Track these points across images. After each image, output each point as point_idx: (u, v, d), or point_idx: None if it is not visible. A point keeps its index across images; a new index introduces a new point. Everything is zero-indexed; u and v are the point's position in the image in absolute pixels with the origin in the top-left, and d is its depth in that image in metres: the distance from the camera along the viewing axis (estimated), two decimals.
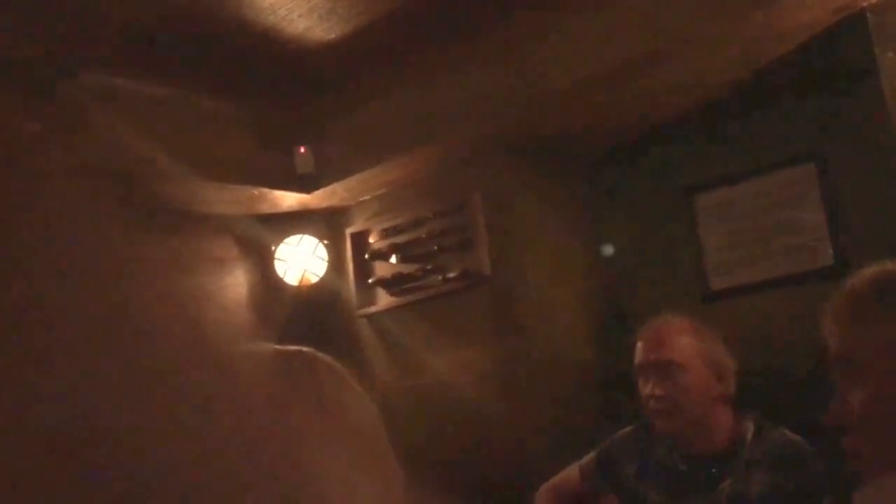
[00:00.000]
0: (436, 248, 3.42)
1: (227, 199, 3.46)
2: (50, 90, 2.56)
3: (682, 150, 3.26)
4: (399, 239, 3.56)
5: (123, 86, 2.94)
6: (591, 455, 2.41)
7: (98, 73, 2.78)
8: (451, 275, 3.36)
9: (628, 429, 2.36)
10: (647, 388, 2.18)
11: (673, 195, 3.27)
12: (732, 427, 2.16)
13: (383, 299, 3.64)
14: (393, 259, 3.59)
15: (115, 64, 2.75)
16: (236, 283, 3.65)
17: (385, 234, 3.61)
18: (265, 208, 3.62)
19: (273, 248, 3.68)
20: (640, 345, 2.23)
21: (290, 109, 3.41)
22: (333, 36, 2.96)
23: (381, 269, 3.65)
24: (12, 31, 2.23)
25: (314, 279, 3.67)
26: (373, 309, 3.66)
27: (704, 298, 3.14)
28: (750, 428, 2.15)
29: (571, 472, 2.45)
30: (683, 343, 2.17)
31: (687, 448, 2.17)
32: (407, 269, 3.53)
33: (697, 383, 2.14)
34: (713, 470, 2.12)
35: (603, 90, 2.90)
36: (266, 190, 3.44)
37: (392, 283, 3.58)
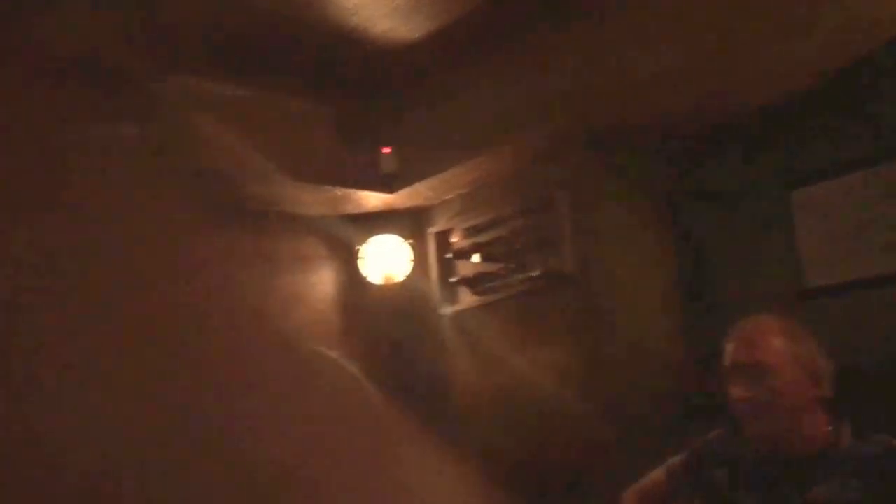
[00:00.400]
0: (518, 246, 3.40)
1: (313, 200, 3.52)
2: (142, 93, 2.65)
3: (778, 143, 3.16)
4: (482, 238, 3.56)
5: (212, 88, 3.02)
6: (679, 457, 2.35)
7: (188, 75, 2.86)
8: (534, 274, 3.33)
9: (718, 431, 2.30)
10: (736, 391, 2.11)
11: (767, 189, 3.17)
12: (828, 431, 2.07)
13: (466, 298, 3.65)
14: (475, 258, 3.58)
15: (204, 66, 2.83)
16: (323, 281, 3.71)
17: (468, 232, 3.61)
18: (350, 208, 3.67)
19: (358, 247, 3.73)
20: (729, 346, 2.17)
21: (374, 109, 3.45)
22: (417, 35, 2.98)
23: (464, 269, 3.65)
24: (107, 37, 2.32)
25: (398, 278, 3.70)
26: (456, 308, 3.67)
27: (799, 296, 3.04)
28: (847, 433, 2.06)
29: (658, 474, 2.40)
30: (776, 344, 2.09)
31: (779, 452, 2.09)
32: (489, 268, 3.52)
33: (790, 386, 2.06)
34: (806, 476, 2.04)
35: (692, 81, 2.83)
36: (351, 190, 3.49)
37: (475, 282, 3.58)
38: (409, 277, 3.72)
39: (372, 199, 3.61)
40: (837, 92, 2.91)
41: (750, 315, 2.21)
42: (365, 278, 3.71)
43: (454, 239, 3.68)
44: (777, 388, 2.06)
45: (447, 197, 3.69)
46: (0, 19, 2.13)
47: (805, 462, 2.06)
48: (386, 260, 3.69)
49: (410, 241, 3.75)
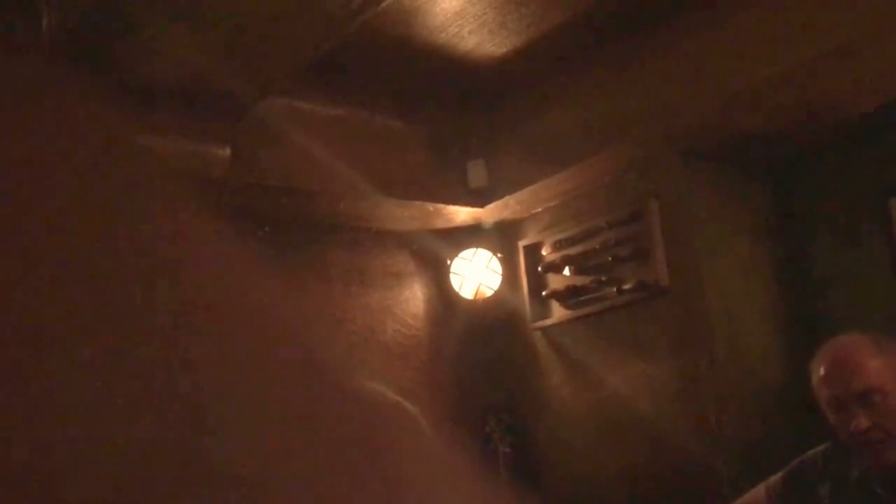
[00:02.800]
0: (610, 259, 3.36)
1: (404, 215, 3.57)
2: (240, 114, 2.74)
3: (876, 150, 3.05)
4: (572, 251, 3.53)
5: (304, 107, 3.10)
6: (780, 475, 2.28)
7: (281, 96, 2.95)
8: (627, 286, 3.29)
9: (820, 448, 2.21)
10: (849, 422, 2.01)
11: (867, 198, 3.06)
12: None
13: (558, 312, 3.62)
14: (566, 271, 3.56)
15: (296, 87, 2.91)
16: (414, 296, 3.75)
17: (558, 245, 3.59)
18: (440, 223, 3.70)
19: (448, 262, 3.75)
20: (825, 373, 2.07)
21: (463, 125, 3.48)
22: (504, 50, 3.00)
23: (555, 282, 3.63)
24: (202, 59, 2.41)
25: (489, 292, 3.71)
26: (548, 322, 3.64)
27: None
28: None
29: (757, 492, 2.33)
30: (877, 365, 2.01)
31: (886, 471, 2.01)
32: (581, 281, 3.49)
33: None
34: None
35: (789, 89, 2.75)
36: (441, 205, 3.52)
37: (566, 296, 3.56)
38: (499, 291, 3.72)
39: (462, 214, 3.63)
40: None
41: (834, 337, 2.13)
42: (455, 292, 3.73)
43: (545, 252, 3.66)
44: (892, 409, 1.97)
45: (537, 210, 3.68)
46: (94, 42, 2.24)
47: None
48: (476, 274, 3.70)
49: (500, 254, 3.75)
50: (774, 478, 2.29)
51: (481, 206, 3.55)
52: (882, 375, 1.99)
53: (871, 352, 2.03)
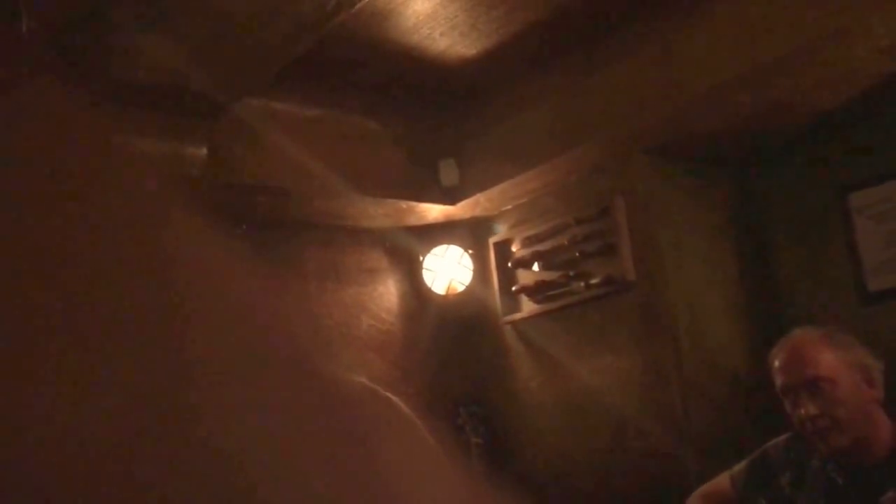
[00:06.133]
0: (578, 254, 3.43)
1: (378, 213, 3.61)
2: (217, 114, 2.76)
3: (836, 147, 3.15)
4: (541, 247, 3.60)
5: (282, 108, 3.13)
6: (743, 464, 2.36)
7: (257, 96, 2.97)
8: (594, 281, 3.36)
9: (782, 437, 2.30)
10: (800, 410, 2.11)
11: (827, 194, 3.16)
12: (893, 435, 2.08)
13: (527, 306, 3.69)
14: (535, 267, 3.63)
15: (274, 87, 2.93)
16: (387, 291, 3.80)
17: (527, 242, 3.66)
18: (413, 220, 3.74)
19: (421, 258, 3.80)
20: (779, 366, 2.18)
21: (435, 124, 3.53)
22: (475, 52, 3.05)
23: (525, 277, 3.69)
24: (187, 63, 2.43)
25: (460, 288, 3.77)
26: (517, 316, 3.71)
27: (862, 301, 3.02)
28: None
29: (722, 480, 2.41)
30: (825, 357, 2.11)
31: (845, 459, 2.10)
32: (549, 276, 3.56)
33: (851, 393, 2.07)
34: (872, 481, 2.04)
35: (751, 88, 2.84)
36: (413, 203, 3.57)
37: (535, 291, 3.62)
38: (470, 287, 3.78)
39: (434, 211, 3.68)
40: (893, 93, 2.90)
41: (791, 331, 2.23)
42: (428, 288, 3.79)
43: (514, 248, 3.73)
44: (839, 399, 2.07)
45: (507, 207, 3.74)
46: (72, 44, 2.24)
47: (871, 467, 2.06)
48: (448, 270, 3.76)
49: (471, 251, 3.81)
50: (738, 466, 2.38)
51: (453, 203, 3.61)
52: (831, 366, 2.09)
53: (822, 344, 2.14)
